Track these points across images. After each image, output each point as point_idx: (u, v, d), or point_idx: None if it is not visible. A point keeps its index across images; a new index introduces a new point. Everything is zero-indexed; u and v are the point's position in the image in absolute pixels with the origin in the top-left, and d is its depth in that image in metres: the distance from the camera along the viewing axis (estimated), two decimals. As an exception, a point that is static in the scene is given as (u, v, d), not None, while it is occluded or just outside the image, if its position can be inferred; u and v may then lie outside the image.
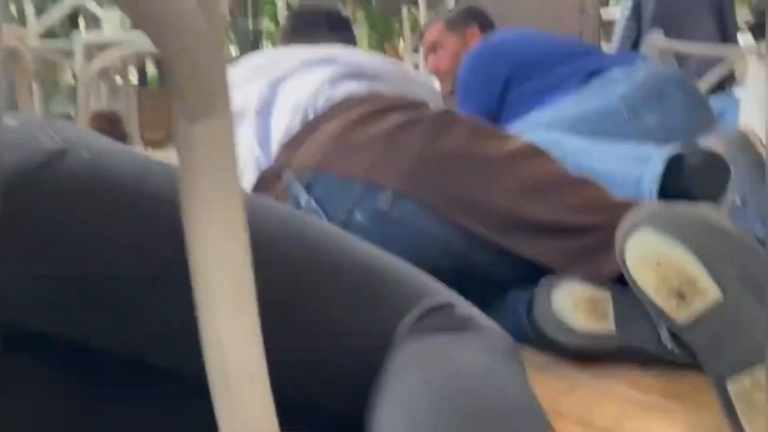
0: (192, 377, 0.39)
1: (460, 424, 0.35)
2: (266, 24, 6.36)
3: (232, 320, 0.34)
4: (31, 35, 2.00)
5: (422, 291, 0.51)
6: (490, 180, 0.81)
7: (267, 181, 0.89)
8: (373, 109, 0.87)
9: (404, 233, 0.80)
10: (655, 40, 2.10)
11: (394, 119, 0.84)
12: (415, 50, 4.40)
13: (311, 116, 0.91)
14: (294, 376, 0.42)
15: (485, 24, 1.78)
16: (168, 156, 0.49)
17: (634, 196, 1.08)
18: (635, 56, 1.48)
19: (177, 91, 0.32)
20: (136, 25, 0.31)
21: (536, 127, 1.34)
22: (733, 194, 0.96)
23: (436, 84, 1.81)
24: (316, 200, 0.82)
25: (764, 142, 0.99)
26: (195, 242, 0.33)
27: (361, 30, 6.81)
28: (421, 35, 1.87)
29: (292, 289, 0.45)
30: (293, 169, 0.85)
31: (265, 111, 0.97)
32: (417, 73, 1.20)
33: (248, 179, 0.94)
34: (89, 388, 0.50)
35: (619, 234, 0.64)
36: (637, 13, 2.49)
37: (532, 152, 0.88)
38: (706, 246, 0.56)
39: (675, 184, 1.05)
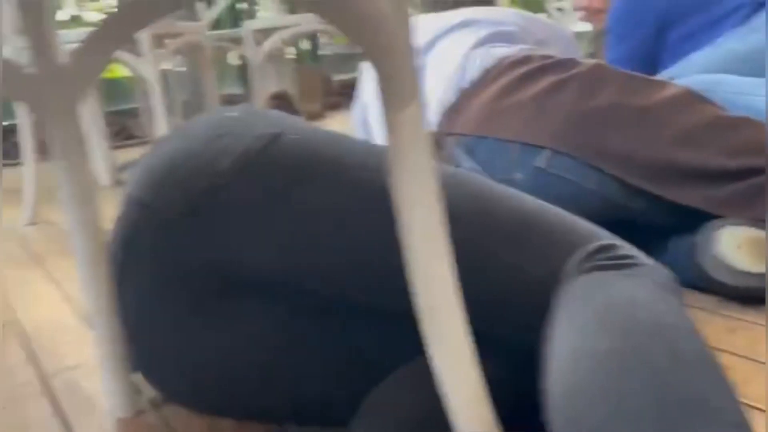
0: (398, 311, 0.50)
1: (621, 338, 0.42)
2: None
3: (433, 263, 0.44)
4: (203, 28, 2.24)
5: (588, 234, 0.57)
6: (645, 130, 0.83)
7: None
8: (525, 72, 0.92)
9: (563, 188, 0.85)
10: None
11: (545, 80, 0.89)
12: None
13: (464, 84, 0.97)
14: (481, 309, 0.51)
15: None
16: (327, 124, 0.60)
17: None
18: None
19: (384, 86, 0.41)
20: (341, 29, 0.40)
21: (696, 69, 1.30)
22: None
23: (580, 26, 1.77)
24: (479, 164, 0.89)
25: None
26: (403, 203, 0.43)
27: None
28: None
29: (477, 237, 0.54)
30: (454, 136, 0.93)
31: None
32: (552, 23, 1.21)
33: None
34: (312, 319, 0.63)
35: None
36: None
37: (689, 98, 0.88)
38: None
39: None
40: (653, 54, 1.54)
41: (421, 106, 0.41)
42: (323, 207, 0.59)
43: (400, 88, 0.40)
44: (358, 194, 0.58)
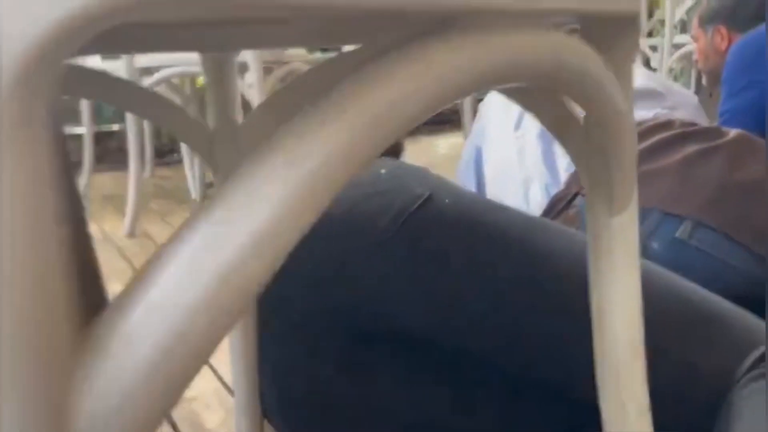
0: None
1: None
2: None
3: (629, 374, 0.42)
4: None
5: (755, 336, 0.55)
6: None
7: (558, 206, 0.96)
8: (666, 138, 0.89)
9: (704, 262, 0.82)
10: None
11: (689, 148, 0.86)
12: (649, 34, 4.17)
13: None
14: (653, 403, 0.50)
15: (736, 20, 1.64)
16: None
17: None
18: None
19: (603, 185, 0.40)
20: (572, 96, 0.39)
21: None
22: None
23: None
24: (611, 227, 0.87)
25: None
26: (603, 317, 0.42)
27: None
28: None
29: (659, 332, 0.53)
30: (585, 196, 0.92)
31: (546, 134, 1.04)
32: (681, 88, 1.18)
33: (534, 198, 1.03)
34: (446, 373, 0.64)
35: None
36: None
37: None
38: None
39: None
40: (763, 111, 1.49)
41: (636, 214, 0.40)
42: (482, 273, 0.59)
43: (623, 189, 0.39)
44: (520, 267, 0.58)
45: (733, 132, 0.90)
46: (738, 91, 1.52)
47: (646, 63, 3.90)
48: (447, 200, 0.64)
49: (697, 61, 1.77)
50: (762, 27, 1.59)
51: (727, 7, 1.69)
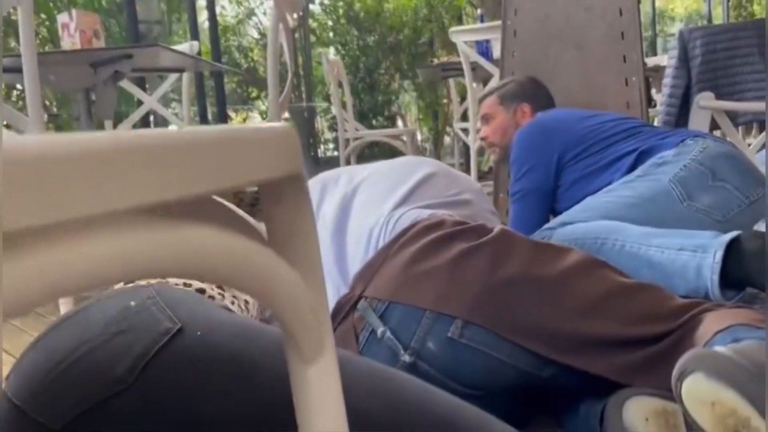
0: None
1: None
2: (319, 102, 6.70)
3: None
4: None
5: None
6: (551, 302, 0.86)
7: (343, 310, 0.96)
8: (436, 237, 0.94)
9: (475, 358, 0.85)
10: (706, 101, 2.12)
11: (456, 248, 0.91)
12: (463, 118, 4.54)
13: (380, 244, 0.98)
14: None
15: (538, 102, 1.82)
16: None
17: (694, 286, 1.11)
18: (686, 134, 1.50)
19: (290, 340, 0.40)
20: (245, 291, 0.39)
21: (592, 215, 1.39)
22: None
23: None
24: (391, 330, 0.89)
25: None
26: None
27: (409, 97, 7.02)
28: (480, 102, 1.94)
29: None
30: (368, 299, 0.93)
31: (338, 234, 1.06)
32: (458, 177, 1.26)
33: (330, 300, 1.02)
34: None
35: (674, 376, 0.69)
36: (684, 60, 2.51)
37: (589, 266, 0.92)
38: (754, 390, 0.60)
39: (734, 270, 1.08)
40: (552, 190, 1.64)
41: (334, 361, 0.40)
42: (225, 418, 0.56)
43: (309, 341, 0.39)
44: (257, 400, 0.55)
45: (496, 229, 0.96)
46: (524, 174, 1.67)
47: (464, 145, 4.22)
48: (199, 333, 0.61)
49: (484, 138, 1.91)
50: (544, 113, 1.77)
51: (527, 90, 1.87)
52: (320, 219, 1.11)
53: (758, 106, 2.20)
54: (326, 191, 1.15)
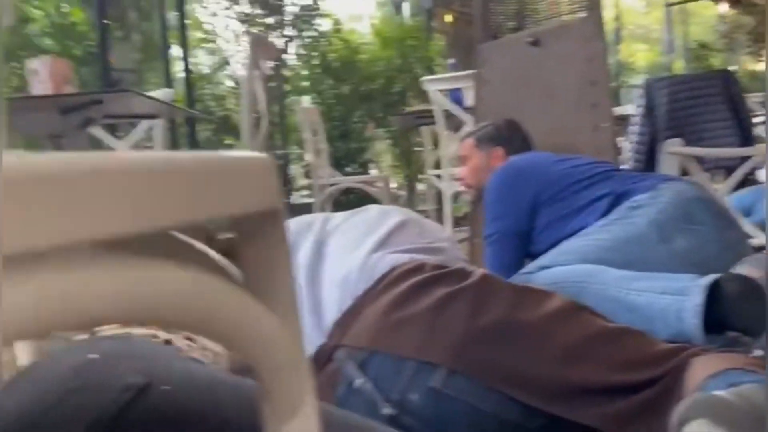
0: None
1: None
2: (292, 150, 6.72)
3: None
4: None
5: None
6: (534, 349, 0.83)
7: (320, 360, 0.92)
8: (416, 282, 0.91)
9: (460, 410, 0.81)
10: (673, 147, 2.16)
11: (437, 293, 0.88)
12: (436, 165, 4.57)
13: (358, 291, 0.95)
14: None
15: (512, 145, 1.83)
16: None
17: (676, 330, 1.09)
18: (659, 178, 1.51)
19: (266, 396, 0.36)
20: (216, 339, 0.36)
21: (569, 259, 1.37)
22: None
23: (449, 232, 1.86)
24: (372, 381, 0.84)
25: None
26: None
27: (382, 145, 7.07)
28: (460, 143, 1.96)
29: None
30: (345, 348, 0.89)
31: (313, 280, 1.02)
32: (428, 226, 1.24)
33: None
34: None
35: (674, 422, 0.66)
36: (650, 108, 2.57)
37: (572, 310, 0.90)
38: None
39: (715, 313, 1.06)
40: (527, 232, 1.63)
41: (313, 420, 0.36)
42: None
43: (286, 399, 0.36)
44: None
45: (477, 273, 0.94)
46: (498, 216, 1.66)
47: (438, 191, 4.24)
48: (167, 387, 0.56)
49: (461, 179, 1.92)
50: (518, 157, 1.77)
51: (503, 134, 1.88)
52: (300, 250, 1.07)
53: (724, 152, 2.26)
54: (300, 236, 1.12)
